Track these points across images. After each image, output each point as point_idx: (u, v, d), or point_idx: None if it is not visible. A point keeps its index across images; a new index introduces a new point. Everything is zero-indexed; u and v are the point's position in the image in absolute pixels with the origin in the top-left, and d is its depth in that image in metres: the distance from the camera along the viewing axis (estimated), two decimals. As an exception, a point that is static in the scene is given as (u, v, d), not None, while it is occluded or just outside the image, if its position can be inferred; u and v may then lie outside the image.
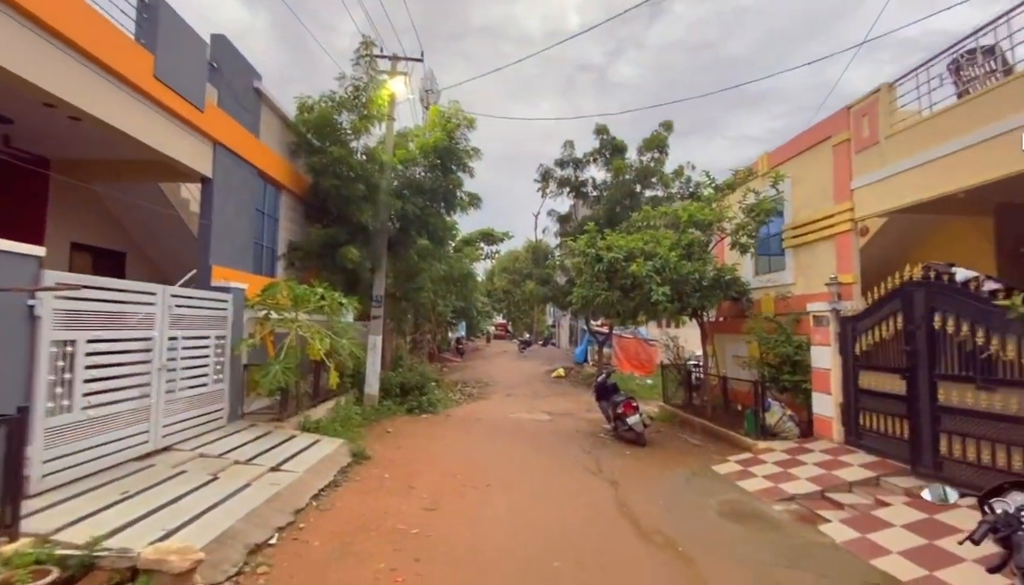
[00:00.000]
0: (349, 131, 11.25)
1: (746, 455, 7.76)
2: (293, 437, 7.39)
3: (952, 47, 6.40)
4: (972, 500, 4.88)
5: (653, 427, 10.19)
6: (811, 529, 5.26)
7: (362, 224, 11.09)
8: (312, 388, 9.37)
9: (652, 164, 17.89)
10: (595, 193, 19.22)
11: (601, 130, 18.38)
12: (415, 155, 12.55)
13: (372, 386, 11.54)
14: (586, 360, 24.34)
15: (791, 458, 7.22)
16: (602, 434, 9.96)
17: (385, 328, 12.59)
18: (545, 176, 19.44)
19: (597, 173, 19.11)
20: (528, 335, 43.87)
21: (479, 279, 30.13)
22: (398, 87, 12.34)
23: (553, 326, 43.60)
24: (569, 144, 19.43)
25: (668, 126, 18.05)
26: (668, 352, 13.32)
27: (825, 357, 7.76)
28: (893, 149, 7.21)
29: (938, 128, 6.51)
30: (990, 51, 6.04)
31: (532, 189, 27.80)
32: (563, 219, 20.92)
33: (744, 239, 9.25)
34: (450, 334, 34.84)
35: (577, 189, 19.43)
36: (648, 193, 17.90)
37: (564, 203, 21.19)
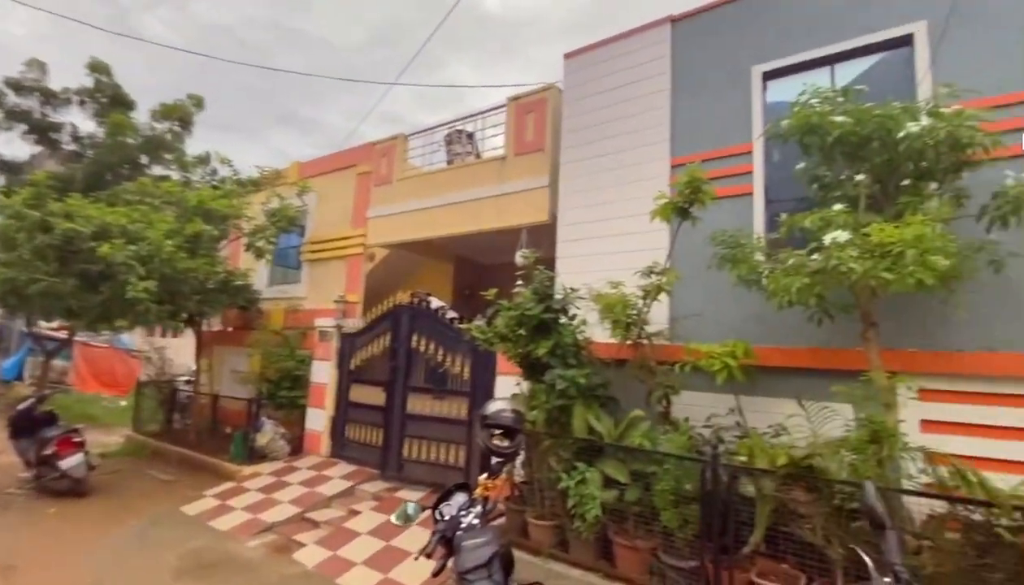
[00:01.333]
0: None
1: (228, 485, 6.78)
2: None
3: (450, 122, 8.02)
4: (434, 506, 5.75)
5: (108, 466, 7.67)
6: (286, 560, 4.87)
7: None
8: None
9: (169, 137, 14.68)
10: (75, 146, 14.05)
11: (99, 68, 13.74)
12: None
13: None
14: (20, 377, 16.94)
15: (277, 480, 6.79)
16: (15, 490, 6.67)
17: None
18: (-17, 97, 12.73)
19: (84, 122, 14.09)
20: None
21: None
22: None
23: (-35, 326, 28.64)
24: (38, 65, 13.57)
25: (198, 102, 15.32)
26: (151, 366, 10.72)
27: (324, 372, 7.90)
28: (402, 191, 8.30)
29: (432, 184, 7.92)
30: (470, 136, 7.91)
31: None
32: (12, 168, 14.20)
33: (262, 243, 8.51)
34: None
35: (44, 131, 13.68)
36: (159, 170, 14.50)
37: (21, 147, 14.48)
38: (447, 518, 2.83)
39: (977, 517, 2.84)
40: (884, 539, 1.83)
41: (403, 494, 6.11)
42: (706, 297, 4.73)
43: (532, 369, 4.62)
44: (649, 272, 4.42)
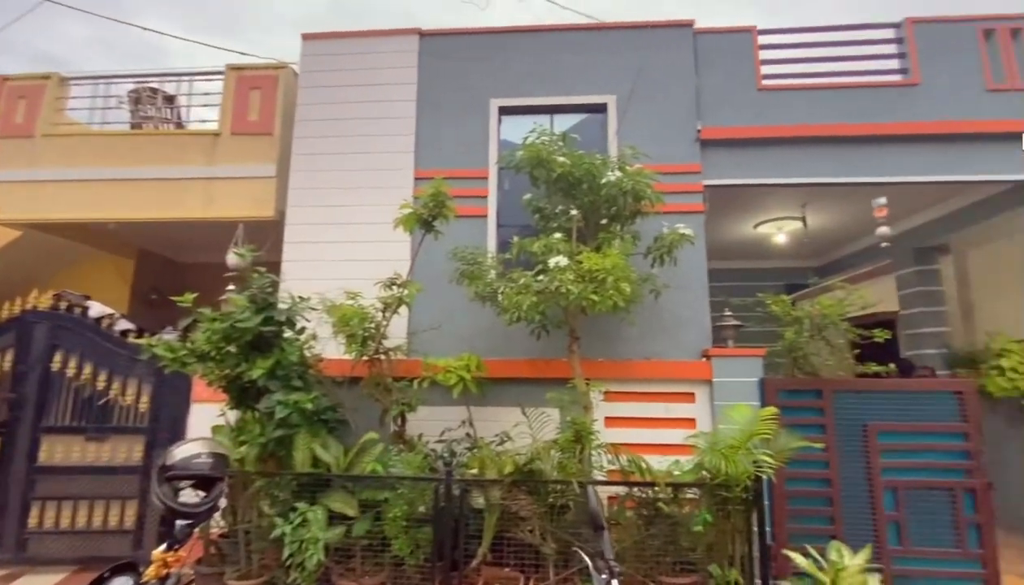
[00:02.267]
0: None
1: None
2: None
3: (139, 75, 6.20)
4: None
5: None
6: None
7: None
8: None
9: None
10: None
11: None
12: None
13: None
14: None
15: None
16: None
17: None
18: None
19: None
20: None
21: None
22: None
23: None
24: None
25: None
26: None
27: None
28: (52, 152, 5.99)
29: (105, 149, 5.96)
30: (170, 99, 6.26)
31: None
32: None
33: None
34: None
35: None
36: None
37: None
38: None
39: (644, 495, 3.54)
40: (601, 538, 2.03)
41: (23, 583, 4.25)
42: (444, 311, 4.77)
43: (243, 395, 3.80)
44: (391, 283, 4.19)
